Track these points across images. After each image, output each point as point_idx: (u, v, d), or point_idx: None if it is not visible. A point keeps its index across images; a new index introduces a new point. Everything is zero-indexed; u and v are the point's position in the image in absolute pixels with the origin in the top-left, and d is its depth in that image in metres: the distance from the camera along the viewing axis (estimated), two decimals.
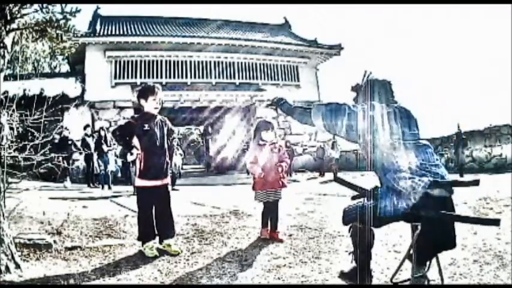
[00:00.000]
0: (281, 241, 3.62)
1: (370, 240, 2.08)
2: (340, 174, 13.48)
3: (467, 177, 9.37)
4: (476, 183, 1.74)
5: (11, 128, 2.90)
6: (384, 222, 1.98)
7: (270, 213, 3.80)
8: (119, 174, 11.13)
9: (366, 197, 2.04)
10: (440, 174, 1.83)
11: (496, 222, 1.63)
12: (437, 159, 1.91)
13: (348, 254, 2.23)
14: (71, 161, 9.47)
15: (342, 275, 2.27)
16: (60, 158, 8.53)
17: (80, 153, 9.80)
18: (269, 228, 3.80)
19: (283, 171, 3.81)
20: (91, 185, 9.58)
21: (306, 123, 2.14)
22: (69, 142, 9.28)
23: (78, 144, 9.77)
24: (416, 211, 1.78)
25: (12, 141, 2.92)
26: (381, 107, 1.97)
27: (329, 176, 13.78)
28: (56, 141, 9.04)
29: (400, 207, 1.82)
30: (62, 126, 9.53)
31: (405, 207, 1.80)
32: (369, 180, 2.14)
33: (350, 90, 2.23)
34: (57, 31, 2.91)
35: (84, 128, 9.92)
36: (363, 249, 2.07)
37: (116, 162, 10.04)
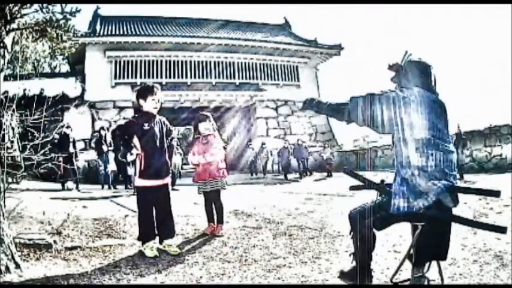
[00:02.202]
0: (219, 236, 3.70)
1: (371, 241, 2.07)
2: (337, 174, 13.45)
3: (468, 178, 9.37)
4: (497, 194, 1.68)
5: (12, 128, 2.90)
6: (389, 223, 1.97)
7: (215, 206, 3.89)
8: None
9: (378, 192, 2.01)
10: (453, 182, 1.82)
11: (503, 230, 1.63)
12: (454, 166, 1.86)
13: (349, 256, 2.22)
14: (74, 161, 8.92)
15: (342, 274, 2.27)
16: (61, 158, 8.40)
17: (76, 156, 9.39)
18: (215, 223, 3.88)
19: (215, 162, 3.85)
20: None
21: (341, 120, 2.02)
22: (70, 140, 8.88)
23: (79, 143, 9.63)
24: (426, 211, 1.77)
25: (12, 141, 2.92)
26: (424, 95, 1.86)
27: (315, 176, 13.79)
28: (56, 140, 8.83)
29: (413, 206, 1.79)
30: (62, 126, 9.41)
31: (420, 206, 1.77)
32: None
33: (387, 68, 2.05)
34: (57, 31, 2.91)
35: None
36: (364, 250, 2.05)
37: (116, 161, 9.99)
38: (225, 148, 4.06)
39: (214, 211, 3.90)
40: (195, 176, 3.97)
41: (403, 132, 1.83)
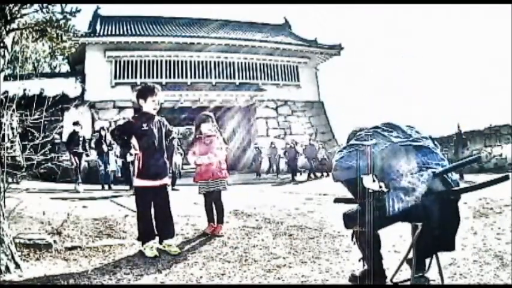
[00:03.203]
0: (219, 236, 3.71)
1: (378, 241, 2.08)
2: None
3: (468, 178, 9.38)
4: (477, 159, 1.77)
5: (12, 128, 2.91)
6: (386, 223, 1.98)
7: (215, 206, 3.89)
8: (119, 174, 11.13)
9: (371, 199, 2.03)
10: (436, 167, 1.86)
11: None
12: (441, 159, 1.93)
13: (359, 261, 2.22)
14: (82, 161, 8.71)
15: (354, 278, 2.25)
16: (70, 157, 8.25)
17: (87, 155, 9.09)
18: (215, 223, 3.88)
19: (217, 162, 3.86)
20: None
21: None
22: (80, 139, 8.53)
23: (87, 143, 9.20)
24: (424, 203, 1.79)
25: (12, 141, 2.93)
26: (377, 127, 2.05)
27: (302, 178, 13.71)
28: (66, 136, 8.48)
29: (407, 201, 1.83)
30: (62, 126, 9.30)
31: (414, 199, 1.81)
32: (368, 181, 2.13)
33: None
34: (57, 31, 2.91)
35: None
36: (373, 251, 2.06)
37: (116, 161, 9.98)
38: (227, 149, 4.07)
39: (215, 211, 3.91)
40: (195, 176, 3.96)
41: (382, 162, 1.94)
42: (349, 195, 2.15)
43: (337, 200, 2.18)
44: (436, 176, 1.81)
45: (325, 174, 13.92)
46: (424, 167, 1.84)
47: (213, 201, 3.91)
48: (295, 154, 13.84)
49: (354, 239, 2.19)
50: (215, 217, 3.90)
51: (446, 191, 1.82)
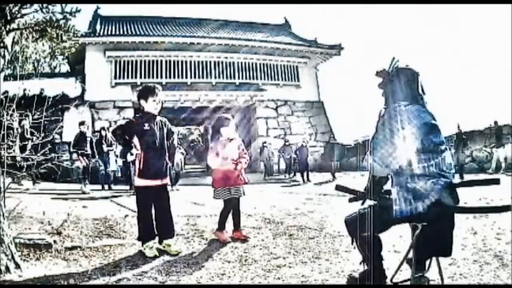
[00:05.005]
0: (246, 239, 3.64)
1: (379, 244, 2.08)
2: (337, 175, 13.31)
3: (468, 178, 9.37)
4: (496, 181, 1.72)
5: (11, 128, 2.91)
6: (389, 225, 1.97)
7: (233, 212, 3.78)
8: (119, 174, 11.11)
9: (372, 200, 2.01)
10: (451, 179, 1.85)
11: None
12: (451, 165, 1.90)
13: (360, 264, 2.23)
14: (91, 161, 8.61)
15: (352, 279, 2.25)
16: (79, 158, 8.21)
17: (94, 156, 8.93)
18: (226, 228, 3.77)
19: (242, 168, 3.74)
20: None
21: (383, 183, 2.06)
22: (87, 139, 8.54)
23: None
24: (428, 210, 1.78)
25: (12, 141, 2.93)
26: (413, 110, 1.91)
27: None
28: (73, 137, 8.43)
29: (415, 208, 1.80)
30: (62, 127, 9.23)
31: (424, 207, 1.79)
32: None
33: (375, 75, 2.09)
34: (57, 31, 2.92)
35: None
36: (373, 254, 2.05)
37: (116, 161, 9.97)
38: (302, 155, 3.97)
39: (232, 216, 3.80)
40: (217, 181, 3.68)
41: (392, 147, 1.87)
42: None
43: (338, 188, 2.15)
44: (448, 186, 1.79)
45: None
46: (438, 174, 1.81)
47: (232, 208, 3.77)
48: (307, 154, 13.12)
49: (355, 243, 2.17)
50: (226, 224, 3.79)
51: (450, 207, 1.80)
